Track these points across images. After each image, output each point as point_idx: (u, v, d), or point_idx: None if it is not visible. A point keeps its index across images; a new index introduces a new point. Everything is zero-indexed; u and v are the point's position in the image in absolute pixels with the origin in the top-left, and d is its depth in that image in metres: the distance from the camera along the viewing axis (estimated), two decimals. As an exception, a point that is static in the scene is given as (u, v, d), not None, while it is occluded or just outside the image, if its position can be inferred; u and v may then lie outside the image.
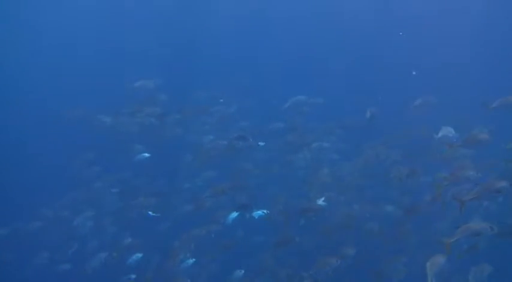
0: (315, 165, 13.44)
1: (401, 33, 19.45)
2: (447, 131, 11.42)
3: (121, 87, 14.93)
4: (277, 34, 21.83)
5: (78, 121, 15.48)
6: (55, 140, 16.42)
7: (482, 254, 10.07)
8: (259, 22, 22.42)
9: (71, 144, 15.82)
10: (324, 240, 11.18)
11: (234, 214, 11.95)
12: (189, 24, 22.18)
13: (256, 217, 12.01)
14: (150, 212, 12.97)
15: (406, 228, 11.26)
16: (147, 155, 14.40)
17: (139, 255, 11.96)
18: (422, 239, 11.10)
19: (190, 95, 15.84)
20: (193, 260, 11.38)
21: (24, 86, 19.94)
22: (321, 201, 11.71)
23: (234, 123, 14.98)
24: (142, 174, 14.64)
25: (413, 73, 13.71)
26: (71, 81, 19.42)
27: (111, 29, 21.65)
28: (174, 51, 20.80)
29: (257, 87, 17.60)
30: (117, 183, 14.38)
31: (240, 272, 11.25)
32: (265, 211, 12.08)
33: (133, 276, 11.66)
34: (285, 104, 14.30)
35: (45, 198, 14.29)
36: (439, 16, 20.11)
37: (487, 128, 11.13)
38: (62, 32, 21.83)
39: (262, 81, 18.35)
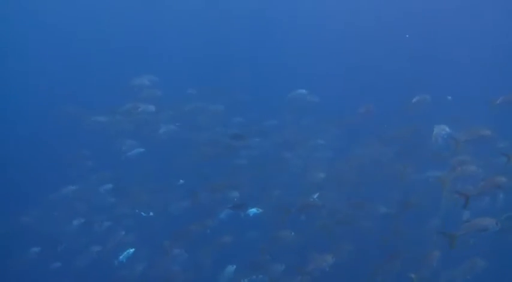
0: (309, 162, 13.00)
1: (407, 36, 19.10)
2: (441, 129, 11.11)
3: (117, 84, 14.40)
4: (273, 31, 21.53)
5: (71, 118, 14.96)
6: (48, 136, 15.92)
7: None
8: (255, 19, 22.05)
9: (64, 141, 15.29)
10: (320, 236, 10.75)
11: (229, 211, 11.52)
12: (184, 20, 21.77)
13: (251, 215, 11.70)
14: (142, 213, 12.63)
15: (401, 225, 10.85)
16: (141, 150, 13.88)
17: (131, 250, 11.52)
18: (418, 236, 10.76)
19: (183, 92, 15.37)
20: (186, 255, 10.94)
21: (16, 81, 19.37)
22: (314, 198, 11.32)
23: (229, 119, 14.49)
24: (137, 170, 14.10)
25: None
26: (65, 77, 18.91)
27: (106, 26, 21.19)
28: (169, 48, 20.42)
29: (252, 83, 17.13)
30: (111, 179, 13.84)
31: (232, 267, 10.88)
32: (259, 209, 11.68)
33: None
34: (287, 97, 13.92)
35: (37, 194, 13.72)
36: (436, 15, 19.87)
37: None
38: (58, 28, 21.35)
39: (257, 77, 17.89)
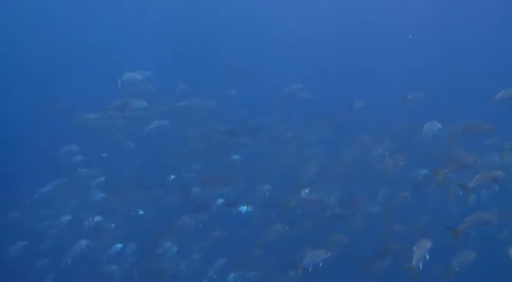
0: (301, 158, 12.70)
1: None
2: (432, 125, 10.92)
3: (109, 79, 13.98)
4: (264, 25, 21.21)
5: (62, 113, 14.54)
6: (38, 131, 15.49)
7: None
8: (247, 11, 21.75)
9: (55, 136, 14.83)
10: (314, 231, 10.50)
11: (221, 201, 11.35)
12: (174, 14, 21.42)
13: (243, 212, 11.55)
14: (131, 212, 12.40)
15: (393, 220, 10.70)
16: (131, 144, 13.51)
17: (119, 245, 11.27)
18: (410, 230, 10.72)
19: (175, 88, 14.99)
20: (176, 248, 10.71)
21: (7, 75, 18.87)
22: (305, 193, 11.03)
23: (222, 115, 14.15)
24: (128, 166, 13.93)
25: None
26: (57, 72, 18.45)
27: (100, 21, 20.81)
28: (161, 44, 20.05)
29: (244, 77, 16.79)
30: (101, 175, 13.47)
31: (222, 261, 10.61)
32: (250, 207, 11.47)
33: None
34: (283, 90, 13.64)
35: (26, 189, 13.35)
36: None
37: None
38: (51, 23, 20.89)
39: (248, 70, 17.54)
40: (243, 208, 11.48)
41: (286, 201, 10.08)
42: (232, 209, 11.38)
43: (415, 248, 8.47)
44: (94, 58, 19.06)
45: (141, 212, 12.44)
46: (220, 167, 12.85)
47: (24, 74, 18.88)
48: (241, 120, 13.93)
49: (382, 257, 9.91)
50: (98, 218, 12.14)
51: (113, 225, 11.50)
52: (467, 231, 8.08)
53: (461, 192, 9.55)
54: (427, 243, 8.62)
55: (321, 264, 9.20)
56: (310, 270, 9.20)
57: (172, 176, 13.17)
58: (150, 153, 14.02)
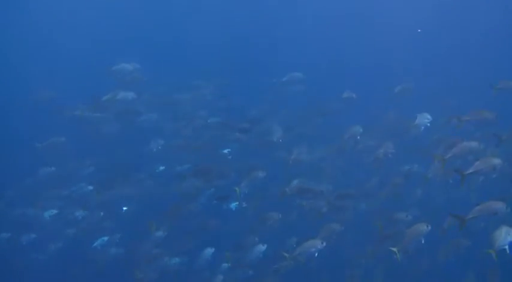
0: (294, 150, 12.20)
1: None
2: (424, 117, 10.61)
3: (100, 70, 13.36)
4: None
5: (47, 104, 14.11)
6: (27, 124, 14.80)
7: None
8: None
9: (42, 128, 14.12)
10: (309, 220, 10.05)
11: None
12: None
13: (234, 209, 11.28)
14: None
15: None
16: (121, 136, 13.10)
17: (105, 238, 10.87)
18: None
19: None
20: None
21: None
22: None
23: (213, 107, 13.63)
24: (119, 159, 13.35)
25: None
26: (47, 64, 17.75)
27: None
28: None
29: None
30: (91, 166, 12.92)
31: (210, 250, 10.23)
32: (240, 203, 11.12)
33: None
34: (282, 79, 13.20)
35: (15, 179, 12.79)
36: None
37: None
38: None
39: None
40: (234, 205, 11.19)
41: (283, 190, 9.62)
42: (223, 204, 11.09)
43: (407, 231, 8.31)
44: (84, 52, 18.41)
45: (124, 208, 11.85)
46: (212, 160, 12.29)
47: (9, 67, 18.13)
48: (235, 114, 13.45)
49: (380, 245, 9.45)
50: (85, 211, 11.60)
51: (101, 214, 10.86)
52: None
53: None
54: (422, 227, 8.24)
55: (316, 255, 8.73)
56: (303, 261, 8.73)
57: (161, 168, 12.63)
58: (139, 145, 13.38)
